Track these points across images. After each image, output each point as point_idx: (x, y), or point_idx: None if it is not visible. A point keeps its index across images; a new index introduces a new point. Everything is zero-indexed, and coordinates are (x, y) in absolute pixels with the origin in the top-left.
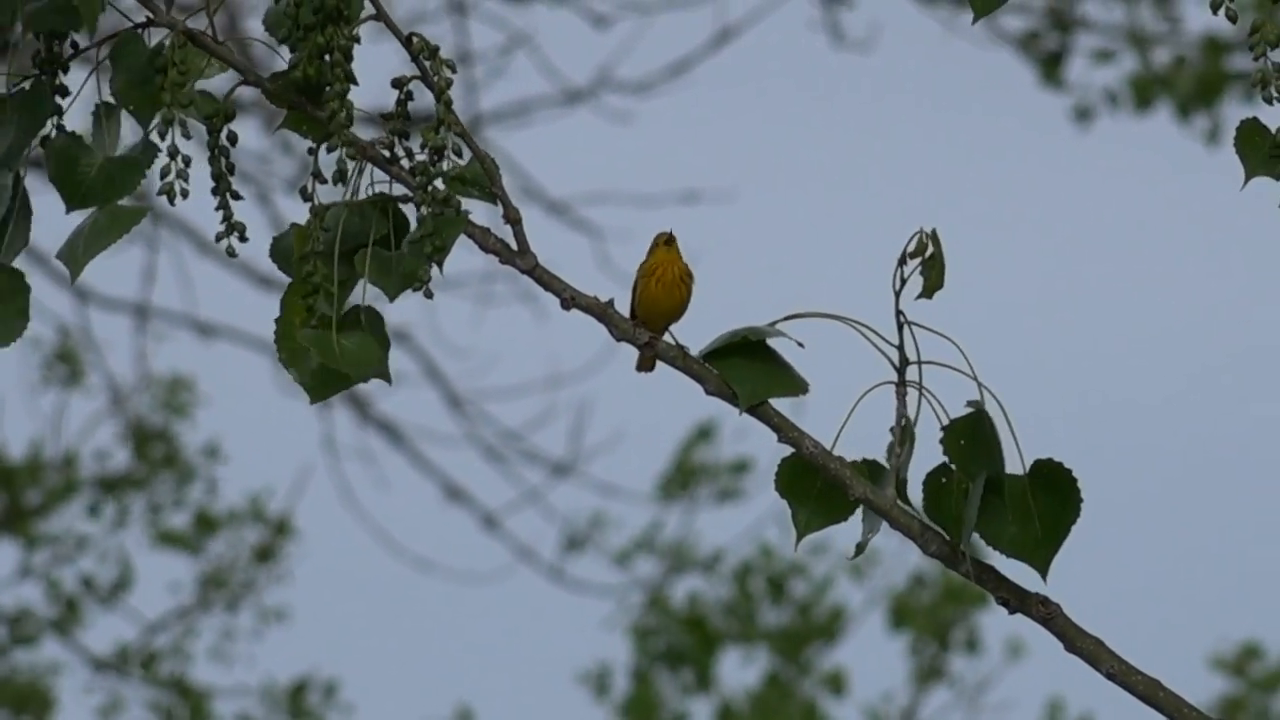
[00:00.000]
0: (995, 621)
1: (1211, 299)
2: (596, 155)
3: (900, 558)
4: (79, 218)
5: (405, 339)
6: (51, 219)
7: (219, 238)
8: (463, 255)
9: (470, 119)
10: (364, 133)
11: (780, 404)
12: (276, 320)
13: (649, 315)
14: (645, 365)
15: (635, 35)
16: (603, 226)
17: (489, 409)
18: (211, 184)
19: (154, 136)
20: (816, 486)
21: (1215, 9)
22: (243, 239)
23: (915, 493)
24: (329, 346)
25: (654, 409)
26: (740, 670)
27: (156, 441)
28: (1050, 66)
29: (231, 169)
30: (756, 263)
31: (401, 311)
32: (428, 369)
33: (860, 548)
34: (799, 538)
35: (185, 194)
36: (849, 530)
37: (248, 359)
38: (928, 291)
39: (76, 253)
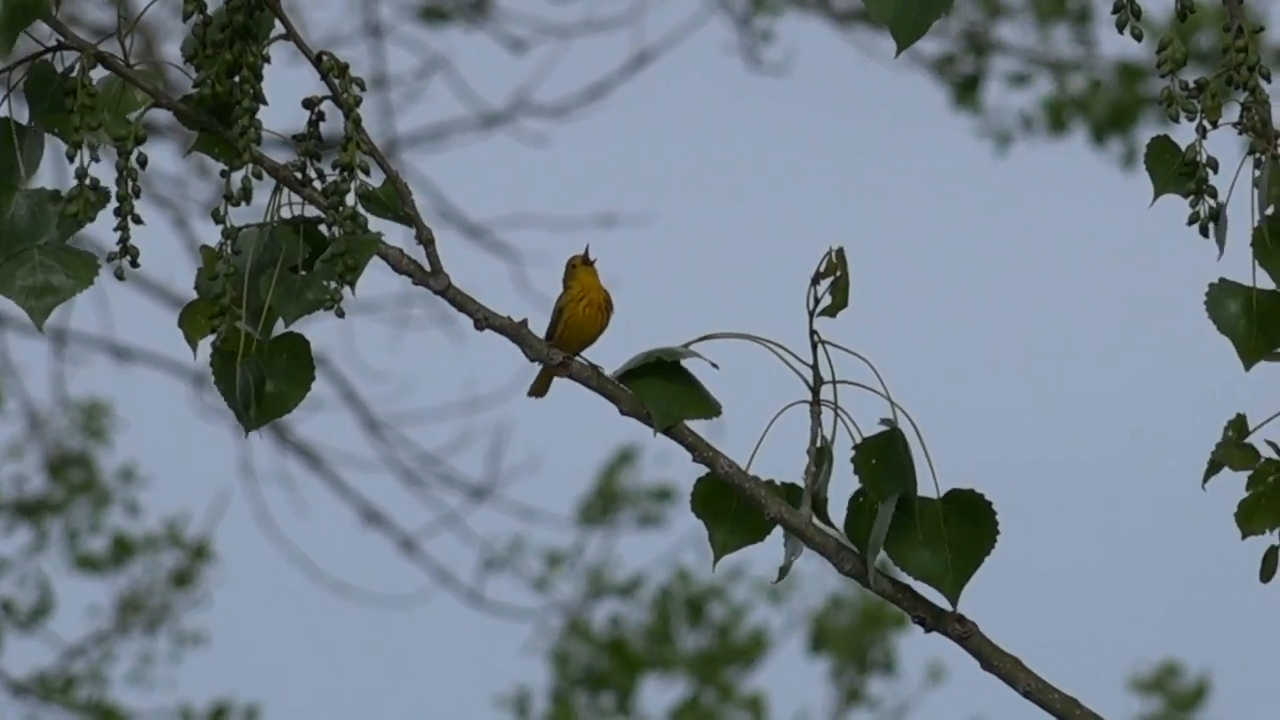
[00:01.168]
0: (914, 644)
1: (1124, 319)
2: (514, 179)
3: (819, 580)
4: None
5: (322, 362)
6: None
7: (111, 258)
8: (380, 278)
9: (387, 142)
10: (280, 157)
11: (697, 425)
12: (215, 349)
13: (573, 340)
14: (539, 389)
15: (552, 59)
16: (521, 250)
17: (407, 433)
18: (115, 204)
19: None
20: (732, 506)
21: (1121, 28)
22: (134, 264)
23: (839, 513)
24: (259, 378)
25: (573, 433)
26: (660, 694)
27: (75, 466)
28: (966, 90)
29: (138, 192)
30: (674, 284)
31: (319, 335)
32: (345, 393)
33: (783, 571)
34: (716, 557)
35: (92, 218)
36: (767, 552)
37: (165, 383)
38: (832, 310)
39: (35, 296)
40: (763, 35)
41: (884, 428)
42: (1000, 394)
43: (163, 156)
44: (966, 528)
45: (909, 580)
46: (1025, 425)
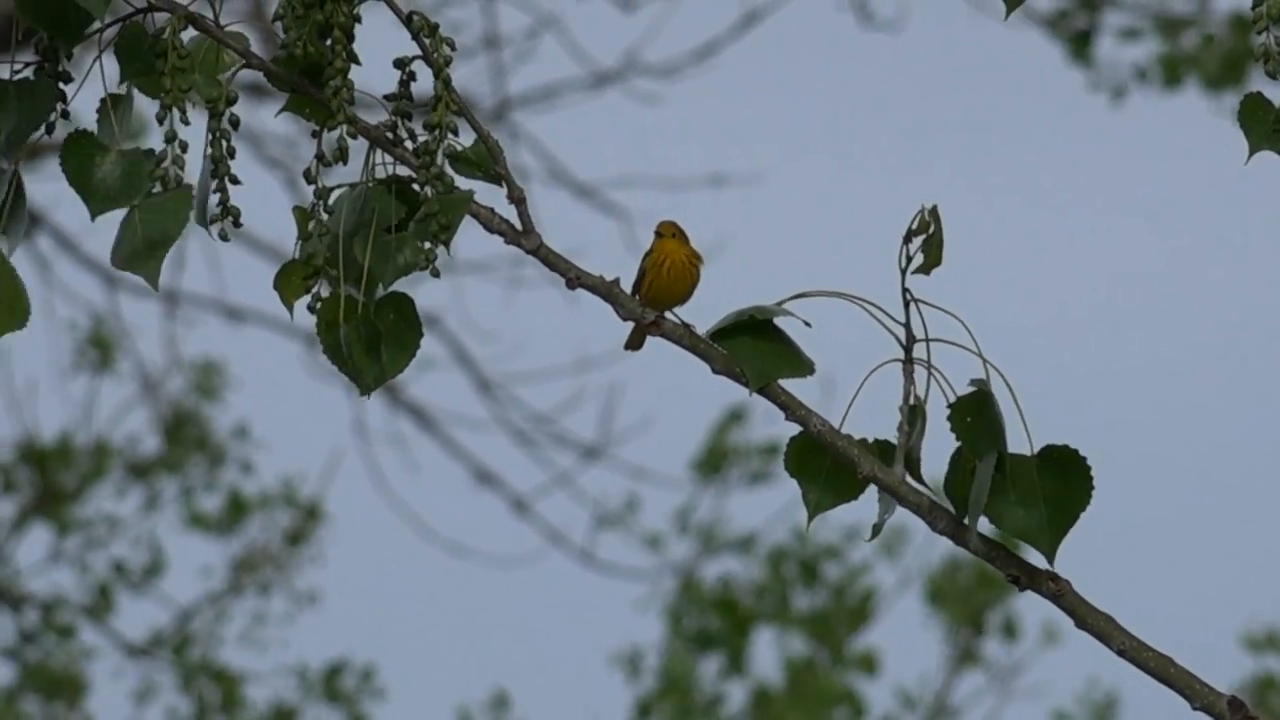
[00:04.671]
0: (1029, 605)
1: (1232, 272)
2: (624, 138)
3: (933, 539)
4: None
5: (435, 323)
6: (72, 202)
7: (212, 220)
8: (491, 240)
9: (498, 103)
10: (370, 118)
11: (790, 384)
12: (312, 311)
13: (661, 298)
14: (634, 343)
15: (663, 18)
16: (631, 209)
17: (519, 393)
18: (211, 166)
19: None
20: (826, 465)
21: None
22: (236, 224)
23: (934, 471)
24: (367, 346)
25: (683, 392)
26: (773, 652)
27: (188, 425)
28: (1079, 45)
29: (232, 153)
30: (780, 243)
31: (429, 295)
32: (457, 353)
33: (876, 529)
34: (810, 516)
35: (179, 180)
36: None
37: (277, 343)
38: (925, 269)
39: (143, 259)
40: None
41: (974, 387)
42: (1105, 349)
43: (274, 118)
44: (1061, 484)
45: (1005, 538)
46: (1123, 380)
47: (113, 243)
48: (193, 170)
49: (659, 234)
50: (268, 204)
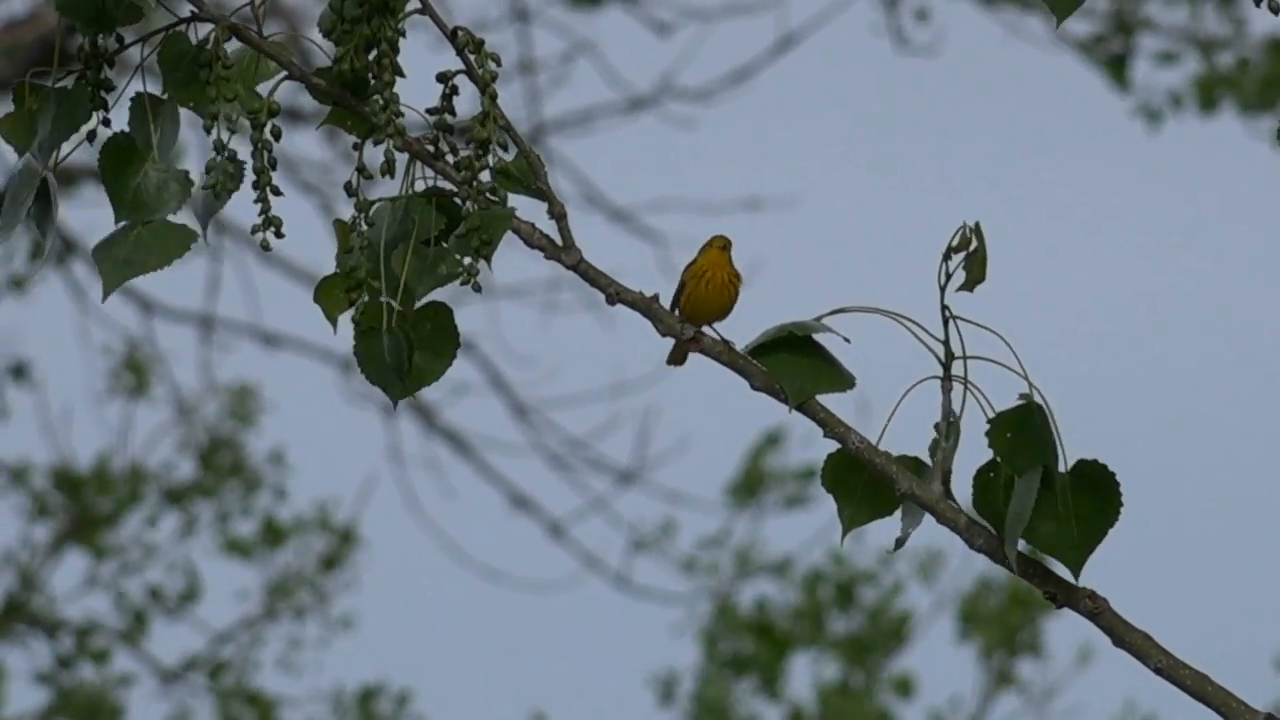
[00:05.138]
0: (1063, 626)
1: (1270, 297)
2: (659, 162)
3: (967, 561)
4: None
5: (470, 347)
6: (107, 220)
7: (254, 230)
8: (527, 263)
9: (533, 127)
10: (408, 132)
11: (829, 400)
12: (355, 322)
13: (699, 314)
14: (677, 358)
15: (697, 42)
16: (666, 234)
17: (554, 417)
18: (253, 178)
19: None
20: (861, 481)
21: (1258, 1)
22: (279, 235)
23: (960, 488)
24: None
25: (719, 416)
26: (808, 676)
27: (223, 450)
28: (1115, 69)
29: (274, 164)
30: (817, 266)
31: (466, 319)
32: (492, 377)
33: (900, 542)
34: (845, 531)
35: (231, 191)
36: (916, 537)
37: (312, 368)
38: (969, 285)
39: (112, 265)
40: (919, 14)
41: (1020, 402)
42: (1136, 364)
43: (307, 142)
44: (1091, 500)
45: (1044, 557)
46: (1161, 398)
47: (105, 235)
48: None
49: (709, 245)
50: (302, 228)
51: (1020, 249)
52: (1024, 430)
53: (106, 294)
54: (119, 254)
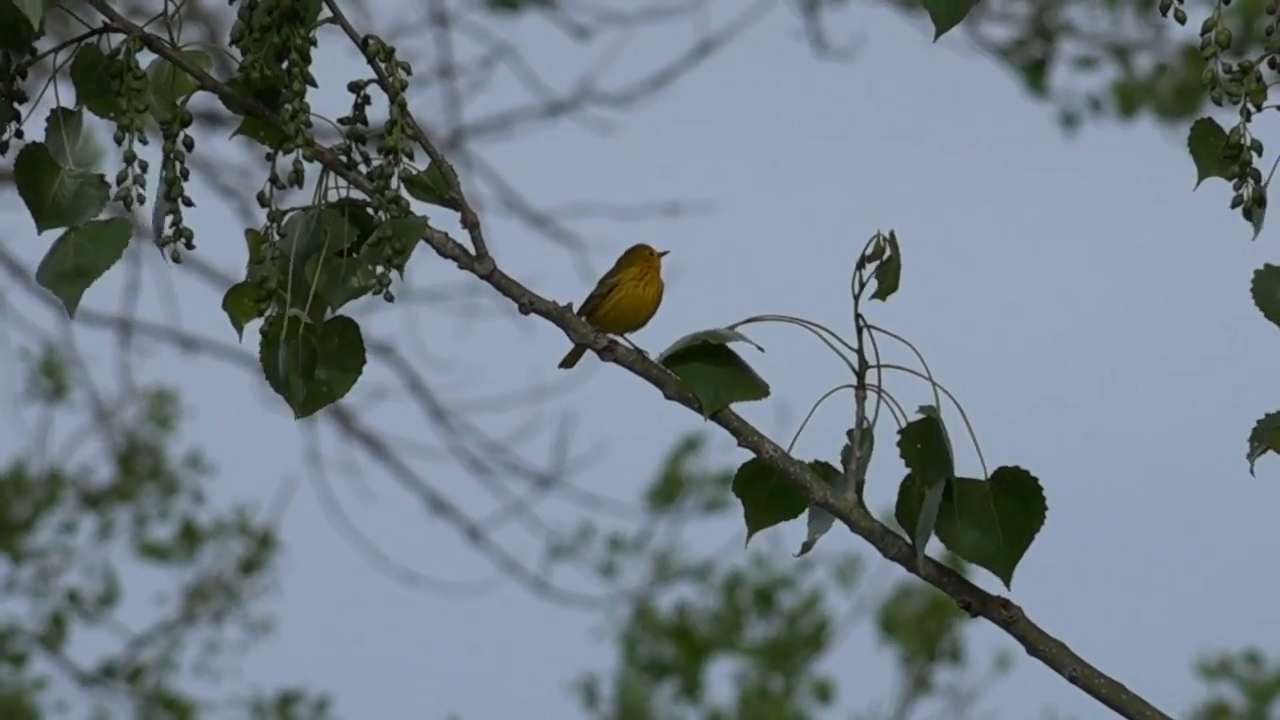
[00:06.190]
0: (983, 633)
1: (1183, 302)
2: (578, 167)
3: (886, 568)
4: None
5: (388, 352)
6: (27, 232)
7: (165, 242)
8: (445, 268)
9: (453, 131)
10: (323, 143)
11: (743, 408)
12: (263, 334)
13: (620, 320)
14: (569, 361)
15: (616, 46)
16: (585, 238)
17: (473, 421)
18: (165, 188)
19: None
20: (770, 486)
21: (1164, 10)
22: (189, 245)
23: (876, 496)
24: (305, 368)
25: (638, 421)
26: (727, 680)
27: (142, 454)
28: (1034, 74)
29: (186, 174)
30: (735, 272)
31: (384, 324)
32: (411, 382)
33: (806, 546)
34: (750, 533)
35: (141, 199)
36: (834, 541)
37: (230, 372)
38: (882, 294)
39: (67, 282)
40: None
41: (922, 414)
42: (1054, 377)
43: (228, 147)
44: (1015, 506)
45: (964, 565)
46: (1077, 408)
47: (43, 257)
48: (150, 195)
49: (636, 252)
50: (221, 232)
51: (937, 256)
52: (932, 441)
53: (72, 312)
54: (65, 267)
